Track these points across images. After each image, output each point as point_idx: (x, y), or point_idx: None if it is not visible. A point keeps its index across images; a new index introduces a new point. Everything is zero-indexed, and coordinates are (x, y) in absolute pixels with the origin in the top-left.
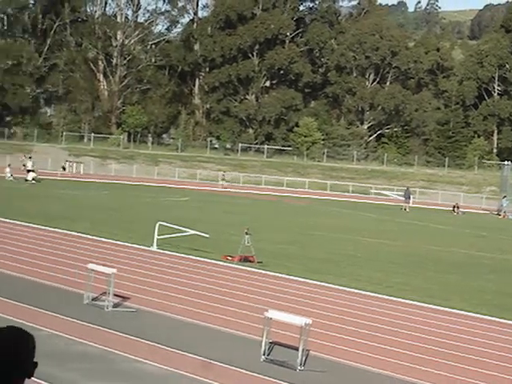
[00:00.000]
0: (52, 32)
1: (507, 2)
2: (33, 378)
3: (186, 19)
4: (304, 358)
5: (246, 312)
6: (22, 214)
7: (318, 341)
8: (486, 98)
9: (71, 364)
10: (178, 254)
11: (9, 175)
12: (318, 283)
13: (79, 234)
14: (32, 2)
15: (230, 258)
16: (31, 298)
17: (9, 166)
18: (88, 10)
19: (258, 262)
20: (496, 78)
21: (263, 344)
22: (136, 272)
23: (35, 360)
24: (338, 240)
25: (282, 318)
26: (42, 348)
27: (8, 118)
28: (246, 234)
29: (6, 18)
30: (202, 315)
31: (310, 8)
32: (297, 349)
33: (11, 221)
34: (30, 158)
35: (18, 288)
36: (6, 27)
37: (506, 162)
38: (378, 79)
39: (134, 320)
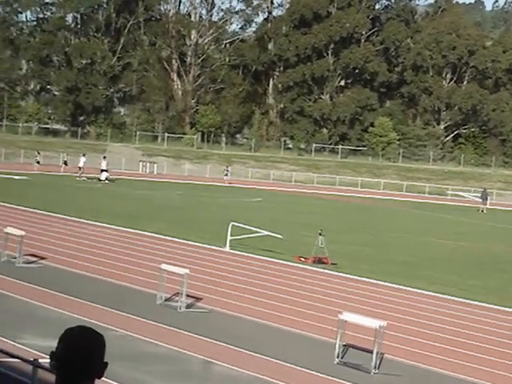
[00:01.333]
0: (126, 31)
1: None
2: (104, 379)
3: (260, 18)
4: (378, 361)
5: (320, 314)
6: (95, 215)
7: (392, 344)
8: None
9: (144, 365)
10: (250, 255)
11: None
12: (393, 285)
13: (152, 234)
14: (106, 0)
15: (303, 259)
16: (104, 299)
17: (80, 168)
18: (162, 9)
19: (332, 264)
20: None
21: (337, 347)
22: (209, 272)
23: (106, 360)
24: (413, 242)
25: (357, 320)
26: (115, 349)
27: (82, 118)
28: (320, 235)
29: (79, 16)
30: (275, 317)
31: (386, 6)
32: (371, 352)
33: (84, 221)
34: (104, 157)
35: (92, 288)
36: (79, 26)
37: None
38: (454, 78)
39: (206, 321)
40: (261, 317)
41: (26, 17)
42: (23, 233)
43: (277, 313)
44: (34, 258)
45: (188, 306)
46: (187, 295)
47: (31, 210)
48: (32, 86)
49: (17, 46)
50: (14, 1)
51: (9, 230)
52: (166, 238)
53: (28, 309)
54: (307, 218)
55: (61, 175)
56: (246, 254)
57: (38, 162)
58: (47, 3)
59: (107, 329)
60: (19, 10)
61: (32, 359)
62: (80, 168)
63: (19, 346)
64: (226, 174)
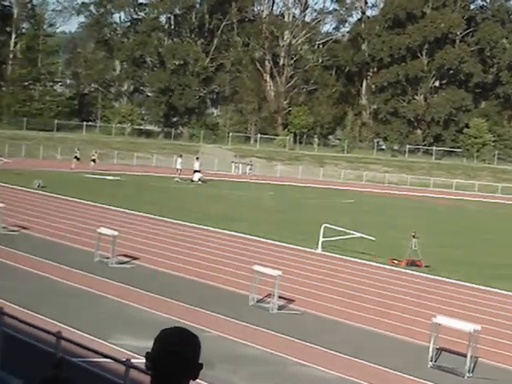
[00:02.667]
0: (219, 32)
1: None
2: (199, 380)
3: (354, 18)
4: (472, 365)
5: (413, 317)
6: (187, 215)
7: (486, 347)
8: None
9: (236, 366)
10: (343, 257)
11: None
12: (487, 289)
13: (245, 236)
14: (199, 1)
15: (396, 261)
16: (197, 299)
17: (178, 170)
18: (255, 10)
19: (426, 266)
20: None
21: (431, 350)
22: (301, 274)
23: (200, 361)
24: (509, 245)
25: (451, 323)
26: (209, 350)
27: (175, 119)
28: (414, 237)
29: (173, 17)
30: (367, 319)
31: (481, 7)
32: (465, 355)
33: (177, 221)
34: (197, 158)
35: (184, 289)
36: (173, 27)
37: None
38: None
39: (298, 323)
40: (353, 319)
41: (120, 18)
42: (116, 233)
43: (370, 315)
44: (127, 258)
45: (280, 308)
46: (279, 297)
47: (124, 210)
48: (125, 87)
49: (111, 47)
50: (107, 2)
51: (102, 230)
52: (259, 239)
53: (121, 309)
54: (400, 220)
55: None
56: (338, 256)
57: (77, 158)
58: (141, 4)
59: (200, 330)
60: (113, 11)
61: (125, 359)
62: (178, 170)
63: (112, 346)
64: (251, 169)
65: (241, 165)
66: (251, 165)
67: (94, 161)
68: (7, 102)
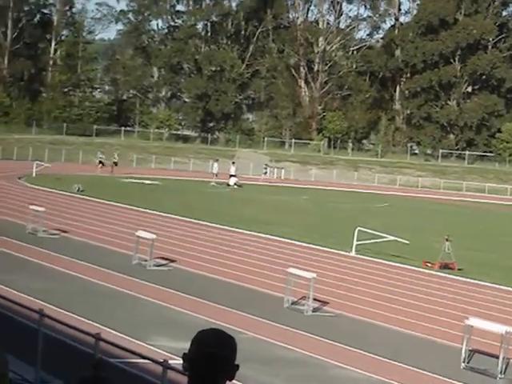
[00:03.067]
0: (254, 39)
1: None
2: (235, 381)
3: (387, 25)
4: (504, 367)
5: (446, 319)
6: (223, 219)
7: None
8: None
9: (272, 368)
10: (377, 260)
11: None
12: None
13: (280, 239)
14: (235, 9)
15: (429, 264)
16: (233, 301)
17: (215, 175)
18: (290, 17)
19: (459, 269)
20: None
21: (463, 351)
22: (335, 277)
23: (237, 363)
24: None
25: (483, 325)
26: (245, 351)
27: (211, 124)
28: (447, 240)
29: (209, 25)
30: (401, 321)
31: None
32: (497, 357)
33: (213, 224)
34: (232, 163)
35: (220, 291)
36: (209, 34)
37: None
38: None
39: (333, 325)
40: (387, 321)
41: (158, 25)
42: (154, 236)
43: (402, 317)
44: (165, 261)
45: (314, 310)
46: (314, 299)
47: (161, 213)
48: (163, 93)
49: (148, 53)
50: (145, 9)
51: (140, 233)
52: (293, 242)
53: (158, 311)
54: (433, 224)
55: (188, 180)
56: (372, 259)
57: (102, 163)
58: (178, 11)
59: (236, 331)
60: (151, 18)
61: (162, 360)
62: (214, 174)
63: (150, 347)
64: (265, 173)
65: (275, 169)
66: (266, 169)
67: (115, 163)
68: (47, 108)
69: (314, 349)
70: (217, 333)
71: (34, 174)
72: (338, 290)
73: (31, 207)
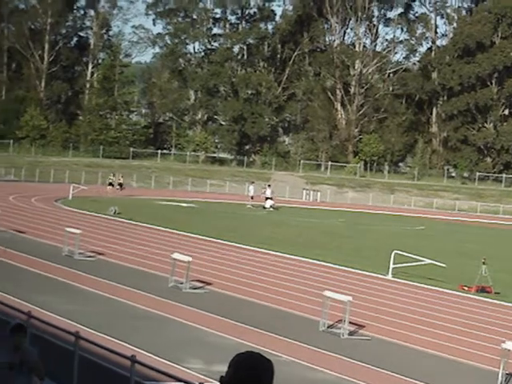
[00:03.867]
0: (291, 61)
1: None
2: None
3: (424, 48)
4: None
5: (483, 343)
6: (259, 241)
7: None
8: None
9: None
10: (413, 283)
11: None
12: None
13: (315, 261)
14: (271, 32)
15: (466, 288)
16: (268, 324)
17: (251, 197)
18: (327, 40)
19: (496, 293)
20: None
21: (500, 375)
22: (371, 300)
23: None
24: None
25: None
26: (281, 374)
27: (247, 147)
28: (483, 263)
29: (246, 48)
30: (437, 345)
31: None
32: None
33: (249, 247)
34: (268, 185)
35: (256, 314)
36: (246, 57)
37: None
38: None
39: (369, 348)
40: (423, 344)
41: (194, 48)
42: (190, 258)
43: (439, 341)
44: (200, 284)
45: (351, 333)
46: (350, 322)
47: (197, 236)
48: (199, 116)
49: (185, 76)
50: (182, 32)
51: (176, 255)
52: (329, 265)
53: (194, 333)
54: (470, 247)
55: (219, 202)
56: (408, 283)
57: (111, 185)
58: (215, 35)
59: (272, 354)
60: (187, 41)
61: (197, 383)
62: (252, 197)
63: (185, 369)
64: (264, 192)
65: (311, 191)
66: (267, 187)
67: (120, 185)
68: (84, 131)
69: (350, 372)
70: (254, 356)
71: (70, 197)
72: (375, 314)
73: (67, 229)
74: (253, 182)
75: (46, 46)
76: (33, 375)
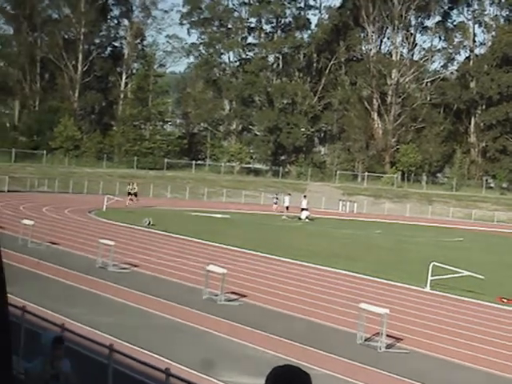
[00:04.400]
0: (327, 71)
1: None
2: None
3: (462, 56)
4: None
5: None
6: (295, 253)
7: None
8: None
9: None
10: (451, 296)
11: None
12: None
13: (351, 273)
14: (307, 41)
15: (505, 300)
16: (305, 337)
17: (287, 208)
18: (363, 49)
19: None
20: None
21: None
22: (409, 313)
23: None
24: None
25: None
26: None
27: (283, 157)
28: None
29: (281, 57)
30: (475, 358)
31: None
32: None
33: (285, 259)
34: (304, 196)
35: (292, 326)
36: (281, 66)
37: None
38: None
39: (407, 362)
40: (461, 358)
41: (229, 58)
42: (225, 270)
43: (477, 354)
44: (235, 296)
45: (388, 347)
46: (387, 335)
47: (232, 247)
48: (234, 126)
49: (219, 86)
50: (216, 42)
51: (211, 267)
52: (366, 277)
53: (229, 346)
54: (509, 259)
55: (257, 213)
56: (446, 295)
57: (132, 194)
58: (249, 44)
59: (308, 367)
60: (222, 51)
61: None
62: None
63: (219, 383)
64: (276, 203)
65: (348, 202)
66: (277, 198)
67: (135, 194)
68: (118, 142)
69: None
70: (292, 369)
71: (104, 208)
72: (412, 326)
73: (101, 241)
74: (289, 194)
75: (80, 56)
76: None
